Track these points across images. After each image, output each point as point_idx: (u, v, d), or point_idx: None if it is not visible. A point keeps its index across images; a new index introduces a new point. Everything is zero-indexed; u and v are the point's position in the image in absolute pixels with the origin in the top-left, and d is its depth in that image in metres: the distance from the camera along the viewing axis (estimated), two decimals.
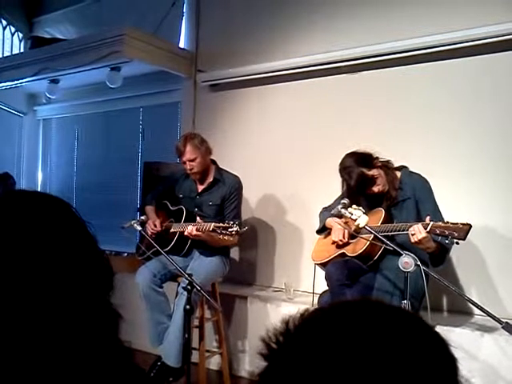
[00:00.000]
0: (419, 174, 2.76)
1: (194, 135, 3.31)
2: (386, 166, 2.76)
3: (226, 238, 2.85)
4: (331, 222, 2.85)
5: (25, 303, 0.67)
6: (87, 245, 0.77)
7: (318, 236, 3.07)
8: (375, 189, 2.70)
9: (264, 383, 0.53)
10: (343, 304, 0.56)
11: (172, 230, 3.23)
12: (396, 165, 2.85)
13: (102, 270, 0.77)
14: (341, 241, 2.75)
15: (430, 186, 2.72)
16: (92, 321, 0.72)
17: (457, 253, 2.93)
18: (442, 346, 0.52)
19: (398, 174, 2.79)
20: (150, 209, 3.45)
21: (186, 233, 3.03)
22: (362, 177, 2.64)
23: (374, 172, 2.67)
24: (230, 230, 2.81)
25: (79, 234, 0.76)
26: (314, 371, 0.48)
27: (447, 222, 2.35)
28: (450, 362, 0.51)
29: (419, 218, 2.62)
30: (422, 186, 2.71)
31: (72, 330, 0.70)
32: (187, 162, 3.20)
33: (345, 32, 3.58)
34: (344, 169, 2.71)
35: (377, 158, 2.73)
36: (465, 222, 2.30)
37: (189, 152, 3.18)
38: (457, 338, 2.70)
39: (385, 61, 3.38)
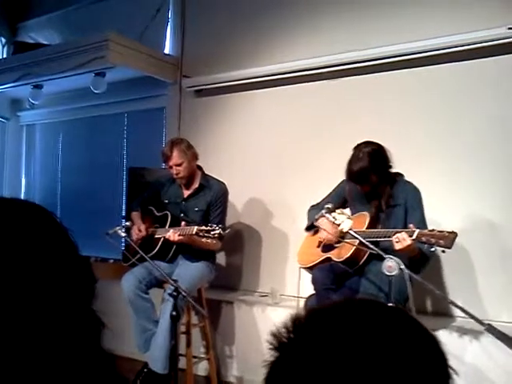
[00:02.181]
0: (413, 184, 2.78)
1: (180, 140, 3.32)
2: (388, 179, 2.75)
3: (208, 241, 2.86)
4: (319, 223, 2.84)
5: (3, 311, 0.67)
6: (68, 252, 0.76)
7: (303, 238, 3.08)
8: (360, 187, 2.76)
9: (274, 372, 0.57)
10: (344, 302, 0.63)
11: (157, 236, 3.23)
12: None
13: (83, 278, 0.76)
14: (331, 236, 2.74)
15: (420, 198, 2.74)
16: (73, 328, 0.71)
17: (442, 256, 2.97)
18: (432, 339, 0.59)
19: (393, 182, 2.79)
20: (135, 215, 3.44)
21: (166, 237, 3.04)
22: (363, 172, 2.65)
23: (373, 177, 2.68)
24: (212, 232, 2.83)
25: (60, 242, 0.75)
26: (322, 360, 0.53)
27: (433, 230, 2.36)
28: (440, 355, 0.57)
29: (405, 225, 2.65)
30: (413, 196, 2.73)
31: (52, 338, 0.69)
32: (174, 167, 3.22)
33: (329, 38, 3.61)
34: (360, 150, 2.68)
35: (389, 167, 2.74)
36: (450, 231, 2.32)
37: (175, 157, 3.19)
38: (441, 340, 2.72)
39: (370, 66, 3.41)
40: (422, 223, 2.63)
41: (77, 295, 0.74)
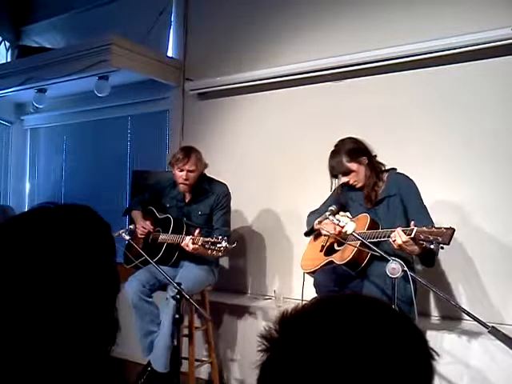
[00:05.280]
0: (405, 175, 2.79)
1: (196, 149, 3.28)
2: (375, 169, 2.78)
3: (214, 253, 2.83)
4: (323, 226, 2.82)
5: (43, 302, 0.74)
6: (105, 257, 0.84)
7: (306, 243, 3.08)
8: (345, 179, 2.79)
9: (265, 372, 0.58)
10: (332, 298, 0.66)
11: (160, 241, 3.22)
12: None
13: (113, 285, 0.84)
14: (334, 234, 2.73)
15: (415, 186, 2.73)
16: (96, 327, 0.79)
17: (446, 258, 2.96)
18: (413, 329, 0.61)
19: (387, 174, 2.82)
20: (137, 213, 3.43)
21: (182, 245, 2.99)
22: (338, 164, 2.75)
23: (352, 166, 2.74)
24: (218, 245, 2.79)
25: (101, 248, 0.83)
26: (312, 357, 0.55)
27: (431, 227, 2.34)
28: (421, 344, 0.60)
29: (406, 217, 2.65)
30: (406, 185, 2.73)
31: (73, 332, 0.75)
32: (186, 172, 3.16)
33: (330, 40, 3.62)
34: (334, 147, 2.81)
35: (368, 156, 2.78)
36: (448, 227, 2.29)
37: (191, 163, 3.16)
38: (446, 343, 2.72)
39: (371, 68, 3.42)
40: (420, 212, 2.63)
41: (104, 300, 0.81)
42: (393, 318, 0.60)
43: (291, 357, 0.56)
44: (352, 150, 2.75)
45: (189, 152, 3.19)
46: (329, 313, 0.59)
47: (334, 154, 2.78)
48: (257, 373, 0.59)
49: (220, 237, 2.83)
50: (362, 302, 0.62)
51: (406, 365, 0.56)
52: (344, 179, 2.80)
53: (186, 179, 3.18)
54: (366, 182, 2.77)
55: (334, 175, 2.84)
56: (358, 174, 2.76)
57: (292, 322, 0.60)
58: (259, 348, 0.59)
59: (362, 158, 2.76)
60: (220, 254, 2.85)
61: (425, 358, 0.59)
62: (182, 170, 3.17)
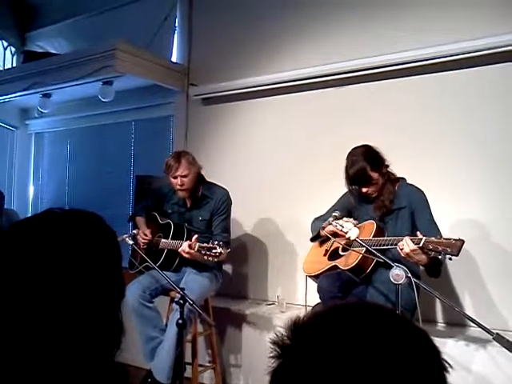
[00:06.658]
0: (416, 186, 2.76)
1: (186, 152, 3.28)
2: (390, 179, 2.75)
3: (210, 258, 2.83)
4: (327, 231, 2.80)
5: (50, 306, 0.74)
6: (111, 263, 0.85)
7: (309, 247, 3.07)
8: (365, 189, 2.72)
9: (277, 379, 0.58)
10: (345, 306, 0.65)
11: (161, 246, 3.21)
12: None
13: (118, 291, 0.85)
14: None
15: (426, 198, 2.70)
16: (101, 332, 0.80)
17: (450, 264, 2.94)
18: (427, 341, 0.60)
19: (397, 184, 2.78)
20: (140, 219, 3.44)
21: (179, 251, 3.00)
22: (362, 171, 2.65)
23: (374, 175, 2.67)
24: (213, 251, 2.80)
25: (107, 254, 0.84)
26: (325, 365, 0.54)
27: (440, 238, 2.32)
28: (435, 356, 0.59)
29: (414, 229, 2.63)
30: (418, 198, 2.70)
31: (78, 336, 0.76)
32: (179, 178, 3.14)
33: (333, 46, 3.62)
34: (352, 155, 2.72)
35: (387, 166, 2.74)
36: (457, 238, 2.27)
37: (183, 168, 3.13)
38: (450, 349, 2.70)
39: (371, 75, 3.42)
40: (431, 225, 2.60)
41: (109, 305, 0.82)
42: (406, 329, 0.60)
43: (304, 364, 0.55)
44: (374, 158, 2.67)
45: (178, 157, 3.16)
46: (342, 321, 0.59)
47: (355, 162, 2.67)
48: (268, 379, 0.59)
49: (215, 242, 2.83)
50: (377, 311, 0.62)
51: (418, 376, 0.55)
52: (363, 189, 2.72)
53: (181, 185, 3.16)
54: (382, 192, 2.73)
55: (355, 184, 2.74)
56: (377, 183, 2.70)
57: (304, 329, 0.59)
58: (270, 354, 0.58)
59: (382, 168, 2.70)
60: (216, 259, 2.85)
61: (438, 370, 0.58)
62: (175, 177, 3.15)
